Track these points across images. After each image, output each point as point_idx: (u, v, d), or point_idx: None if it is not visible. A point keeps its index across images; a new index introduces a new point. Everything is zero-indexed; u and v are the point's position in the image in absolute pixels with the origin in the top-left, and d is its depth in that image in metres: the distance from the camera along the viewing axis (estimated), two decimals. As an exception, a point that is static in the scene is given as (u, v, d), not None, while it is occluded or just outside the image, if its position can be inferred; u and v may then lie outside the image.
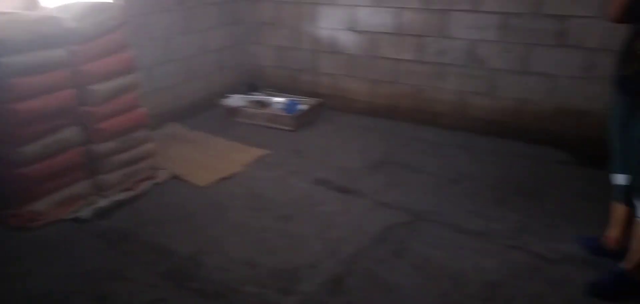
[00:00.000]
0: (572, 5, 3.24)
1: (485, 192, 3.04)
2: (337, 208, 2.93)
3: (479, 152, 3.59)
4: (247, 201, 3.03)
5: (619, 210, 2.27)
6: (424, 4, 3.81)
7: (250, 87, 4.76)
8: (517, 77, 3.58)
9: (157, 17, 3.99)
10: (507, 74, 3.62)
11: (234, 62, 4.87)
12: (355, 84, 4.43)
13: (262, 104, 4.37)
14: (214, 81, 4.65)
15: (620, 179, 2.19)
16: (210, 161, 3.56)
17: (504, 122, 3.74)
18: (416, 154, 3.60)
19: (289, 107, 4.23)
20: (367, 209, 2.91)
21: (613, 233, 2.32)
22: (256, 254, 2.51)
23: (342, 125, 4.23)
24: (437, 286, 2.26)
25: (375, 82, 4.30)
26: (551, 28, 3.35)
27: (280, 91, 4.71)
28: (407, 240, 2.59)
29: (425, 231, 2.67)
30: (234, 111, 4.35)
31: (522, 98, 3.61)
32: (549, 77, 3.46)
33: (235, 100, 4.42)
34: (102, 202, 2.92)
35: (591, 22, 3.18)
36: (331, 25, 4.36)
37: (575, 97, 3.40)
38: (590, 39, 3.23)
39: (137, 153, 3.17)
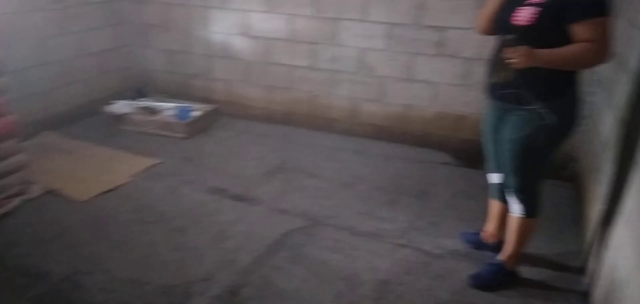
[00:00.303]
0: (449, 18, 3.49)
1: (377, 194, 3.16)
2: (233, 217, 2.86)
3: (371, 156, 3.73)
4: (134, 215, 2.84)
5: (494, 206, 2.48)
6: (316, 12, 3.88)
7: (138, 93, 4.49)
8: (403, 84, 3.79)
9: (29, 17, 3.61)
10: (394, 81, 3.80)
11: (119, 66, 4.56)
12: (250, 90, 4.38)
13: (152, 111, 4.14)
14: (96, 85, 4.32)
15: (494, 178, 2.39)
16: (91, 172, 3.28)
17: (393, 127, 3.93)
18: (312, 160, 3.64)
19: (181, 113, 4.06)
20: (263, 217, 2.88)
21: (490, 227, 2.53)
22: (144, 271, 2.36)
23: (238, 131, 4.16)
24: (332, 288, 2.29)
25: (271, 88, 4.29)
26: (431, 38, 3.58)
27: (171, 96, 4.51)
28: (303, 245, 2.60)
29: (321, 235, 2.70)
30: (120, 119, 4.07)
31: (408, 104, 3.82)
32: (431, 84, 3.70)
33: (122, 106, 4.14)
34: (-40, 224, 2.56)
35: (466, 34, 3.45)
36: (224, 30, 4.27)
37: (454, 103, 3.67)
38: (465, 49, 3.50)
39: (5, 166, 2.83)
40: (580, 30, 1.82)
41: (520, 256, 2.33)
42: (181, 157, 3.63)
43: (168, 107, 4.17)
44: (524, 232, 2.26)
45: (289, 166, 3.55)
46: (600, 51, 1.81)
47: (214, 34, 4.34)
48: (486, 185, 2.51)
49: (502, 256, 2.34)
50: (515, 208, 2.22)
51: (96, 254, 2.46)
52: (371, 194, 3.16)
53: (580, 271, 2.41)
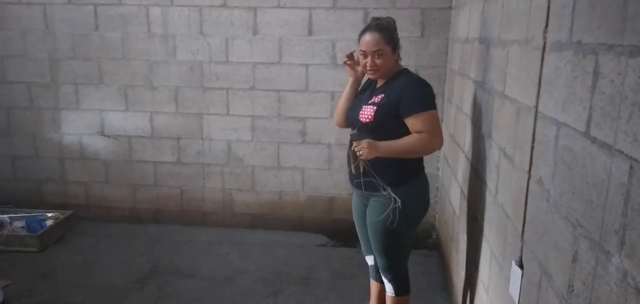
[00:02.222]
0: (307, 109, 3.76)
1: (259, 287, 3.15)
2: (103, 337, 2.61)
3: (249, 246, 3.73)
4: (-20, 355, 2.44)
5: (373, 286, 2.62)
6: (178, 109, 3.89)
7: (-23, 207, 3.94)
8: (273, 172, 3.92)
9: None
10: (264, 169, 3.92)
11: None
12: (112, 191, 4.13)
13: (-4, 226, 3.66)
14: None
15: (370, 259, 2.55)
16: None
17: (268, 214, 4.00)
18: (188, 258, 3.52)
19: (33, 224, 3.66)
20: (139, 331, 2.68)
21: None
22: None
23: (101, 237, 3.86)
24: None
25: (136, 187, 4.10)
26: (294, 128, 3.81)
27: (19, 206, 4.04)
28: (187, 355, 2.47)
29: (205, 340, 2.60)
30: (-47, 240, 3.51)
31: (279, 190, 3.95)
32: (299, 170, 3.89)
33: (-45, 225, 3.59)
34: None
35: (324, 122, 3.74)
36: (78, 131, 4.03)
37: (322, 186, 3.89)
38: (326, 136, 3.78)
39: None
40: (412, 123, 2.09)
41: None
42: (35, 274, 3.24)
43: (16, 219, 3.73)
44: None
45: (162, 268, 3.37)
46: (431, 140, 2.10)
47: (66, 136, 4.06)
48: (362, 263, 2.66)
49: None
50: (388, 287, 2.39)
51: None
52: (253, 288, 3.13)
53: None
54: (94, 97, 3.96)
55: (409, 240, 2.33)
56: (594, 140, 1.10)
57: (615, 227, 1.00)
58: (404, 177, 2.20)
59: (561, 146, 1.29)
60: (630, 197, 0.95)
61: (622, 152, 0.98)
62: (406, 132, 2.13)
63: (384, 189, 2.18)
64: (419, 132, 2.09)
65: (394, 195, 2.17)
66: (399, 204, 2.17)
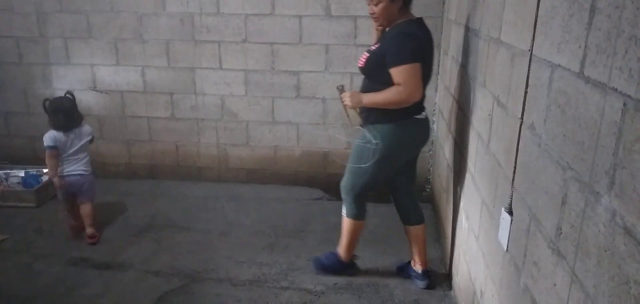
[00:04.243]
0: (302, 63, 3.69)
1: (255, 239, 3.17)
2: (100, 289, 2.64)
3: (245, 200, 3.73)
4: (-22, 306, 2.47)
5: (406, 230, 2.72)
6: (169, 63, 3.82)
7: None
8: (267, 127, 3.89)
9: None
10: (259, 124, 3.89)
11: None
12: (107, 147, 4.11)
13: (-10, 182, 3.65)
14: None
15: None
16: None
17: (263, 169, 4.00)
18: (184, 212, 3.53)
19: (29, 180, 3.66)
20: (134, 283, 2.70)
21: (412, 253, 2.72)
22: None
23: (98, 192, 3.84)
24: (219, 345, 2.23)
25: (130, 143, 4.08)
26: (288, 82, 3.75)
27: (15, 162, 4.03)
28: (183, 306, 2.50)
29: (200, 291, 2.62)
30: (-53, 196, 3.51)
31: (275, 145, 3.93)
32: (294, 124, 3.86)
33: (-51, 182, 3.58)
34: None
35: (320, 76, 3.69)
36: (69, 86, 3.96)
37: (317, 140, 3.87)
38: (321, 90, 3.73)
39: None
40: (393, 74, 2.19)
41: (351, 251, 2.68)
42: (32, 228, 3.26)
43: (13, 175, 3.72)
44: (348, 231, 2.60)
45: (159, 222, 3.39)
46: (405, 92, 2.17)
47: (58, 92, 4.00)
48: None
49: (340, 249, 2.69)
50: (343, 209, 2.57)
51: None
52: (249, 240, 3.15)
53: (449, 286, 2.67)
54: (84, 52, 3.89)
55: (373, 175, 2.40)
56: (588, 80, 1.07)
57: (606, 167, 0.98)
58: (375, 119, 2.32)
59: (555, 89, 1.25)
60: (623, 135, 0.92)
61: (616, 90, 0.95)
62: (391, 81, 2.21)
63: (364, 125, 2.38)
64: (397, 84, 2.17)
65: (373, 132, 2.32)
66: (378, 141, 2.30)
